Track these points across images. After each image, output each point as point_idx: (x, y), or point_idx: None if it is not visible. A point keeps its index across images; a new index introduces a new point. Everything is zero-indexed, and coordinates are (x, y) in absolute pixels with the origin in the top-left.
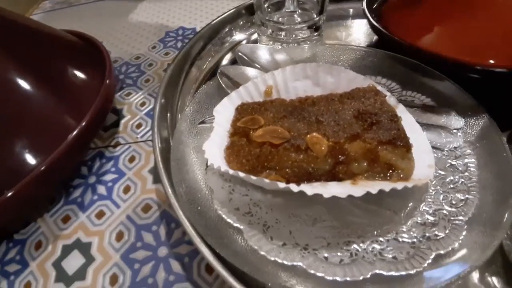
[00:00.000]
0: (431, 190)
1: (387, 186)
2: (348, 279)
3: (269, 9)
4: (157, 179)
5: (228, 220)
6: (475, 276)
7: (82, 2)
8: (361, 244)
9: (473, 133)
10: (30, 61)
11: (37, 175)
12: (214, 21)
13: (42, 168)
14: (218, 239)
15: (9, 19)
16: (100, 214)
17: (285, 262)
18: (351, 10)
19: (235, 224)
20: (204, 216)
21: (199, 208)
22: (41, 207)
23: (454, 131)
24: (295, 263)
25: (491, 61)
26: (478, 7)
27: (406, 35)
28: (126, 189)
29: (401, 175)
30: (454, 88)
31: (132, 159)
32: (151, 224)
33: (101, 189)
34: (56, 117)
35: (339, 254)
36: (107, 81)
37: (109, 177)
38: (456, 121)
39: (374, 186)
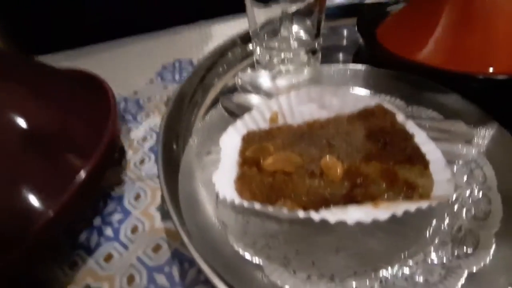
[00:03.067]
0: (453, 205)
1: (411, 206)
2: None
3: (265, 36)
4: (165, 216)
5: (246, 255)
6: None
7: None
8: (389, 269)
9: (485, 143)
10: (33, 100)
11: (46, 222)
12: (211, 52)
13: (50, 215)
14: (238, 276)
15: (11, 60)
16: (109, 257)
17: None
18: (345, 31)
19: (254, 260)
20: (220, 253)
21: (213, 245)
22: (48, 258)
23: (466, 142)
24: None
25: (491, 69)
26: (471, 16)
27: (402, 52)
28: (134, 229)
29: (422, 194)
30: (459, 99)
31: (137, 197)
32: (163, 265)
33: (108, 231)
34: (62, 160)
35: (368, 282)
36: (112, 119)
37: (115, 217)
38: (466, 132)
39: (398, 208)
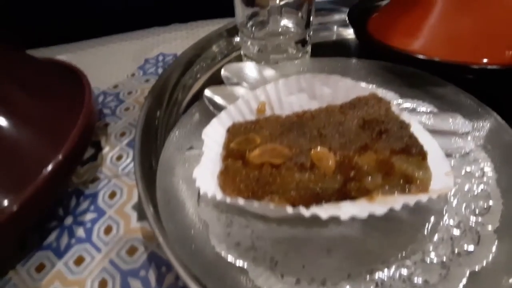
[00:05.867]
0: (451, 201)
1: (410, 199)
2: None
3: (253, 28)
4: (142, 216)
5: (229, 258)
6: None
7: None
8: (385, 271)
9: (483, 135)
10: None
11: (8, 218)
12: (196, 43)
13: (14, 209)
14: (219, 282)
15: None
16: (79, 260)
17: None
18: (335, 27)
19: (238, 263)
20: (200, 256)
21: (193, 246)
22: (11, 255)
23: (463, 135)
24: None
25: (485, 60)
26: (465, 6)
27: (395, 44)
28: (108, 230)
29: (420, 187)
30: (454, 90)
31: (112, 195)
32: (138, 268)
33: (79, 231)
34: (29, 151)
35: (363, 285)
36: (87, 108)
37: (87, 217)
38: (463, 125)
39: (396, 202)
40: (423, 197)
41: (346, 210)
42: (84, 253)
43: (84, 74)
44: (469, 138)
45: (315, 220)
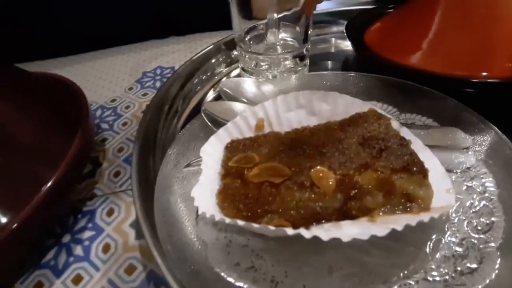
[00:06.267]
0: (452, 218)
1: (412, 220)
2: None
3: (251, 42)
4: (140, 234)
5: (229, 279)
6: None
7: None
8: None
9: (484, 150)
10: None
11: (7, 236)
12: (194, 57)
13: (13, 227)
14: None
15: None
16: (78, 279)
17: None
18: (333, 39)
19: (238, 284)
20: (199, 277)
21: (192, 267)
22: (10, 274)
23: (464, 150)
24: None
25: (484, 73)
26: (464, 20)
27: (393, 57)
28: (106, 248)
29: (422, 205)
30: (454, 105)
31: (110, 212)
32: None
33: (77, 250)
34: (28, 169)
35: None
36: (84, 124)
37: (85, 234)
38: (463, 139)
39: (398, 222)
40: (424, 217)
41: (347, 231)
42: (82, 272)
43: (81, 89)
44: (469, 153)
45: (315, 239)
